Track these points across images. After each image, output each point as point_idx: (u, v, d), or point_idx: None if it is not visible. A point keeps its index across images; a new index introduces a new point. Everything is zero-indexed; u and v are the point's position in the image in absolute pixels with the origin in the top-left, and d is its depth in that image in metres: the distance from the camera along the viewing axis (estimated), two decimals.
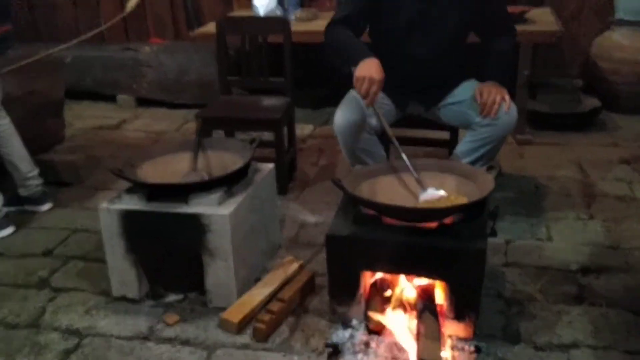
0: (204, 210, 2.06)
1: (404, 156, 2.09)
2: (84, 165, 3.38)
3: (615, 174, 3.11)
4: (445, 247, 1.84)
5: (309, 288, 2.23)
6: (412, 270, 1.93)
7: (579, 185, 3.00)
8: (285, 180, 2.99)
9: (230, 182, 2.17)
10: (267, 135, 3.07)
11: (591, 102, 3.82)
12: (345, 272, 1.97)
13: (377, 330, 1.97)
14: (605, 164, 3.24)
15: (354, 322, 2.02)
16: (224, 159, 2.37)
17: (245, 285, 2.21)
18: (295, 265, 2.30)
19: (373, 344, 1.94)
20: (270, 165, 2.44)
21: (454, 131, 2.81)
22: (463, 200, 1.94)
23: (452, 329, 1.96)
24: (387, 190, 2.11)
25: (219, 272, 2.11)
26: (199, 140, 2.43)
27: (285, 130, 3.02)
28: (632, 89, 3.87)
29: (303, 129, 3.79)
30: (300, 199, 2.97)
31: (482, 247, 1.82)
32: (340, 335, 1.98)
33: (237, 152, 2.34)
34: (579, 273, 2.31)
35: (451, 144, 2.86)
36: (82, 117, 4.37)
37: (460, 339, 1.96)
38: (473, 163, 2.49)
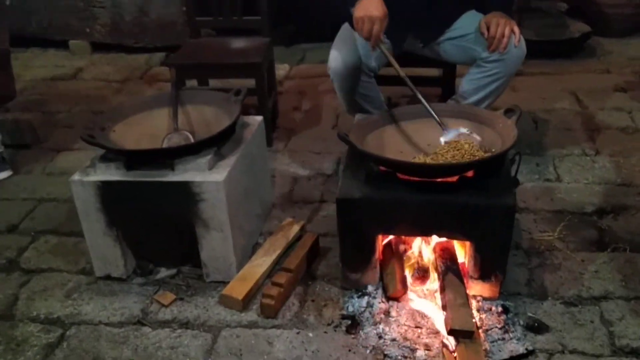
0: (193, 177, 1.82)
1: (422, 98, 1.87)
2: (41, 124, 3.06)
3: (614, 103, 2.97)
4: (471, 204, 1.66)
5: (315, 252, 2.04)
6: (433, 231, 1.75)
7: (579, 118, 2.85)
8: (269, 130, 2.75)
9: (219, 143, 1.93)
10: (246, 81, 2.79)
11: (579, 27, 3.63)
12: (358, 237, 1.78)
13: (395, 296, 1.81)
14: (600, 92, 3.09)
15: (370, 288, 1.85)
16: (205, 114, 2.11)
17: (245, 254, 2.01)
18: (296, 228, 2.10)
19: (393, 312, 1.78)
20: (259, 119, 2.19)
21: (451, 68, 2.59)
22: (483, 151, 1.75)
23: (476, 289, 1.81)
24: (397, 141, 1.91)
25: (215, 243, 1.89)
26: (177, 94, 2.16)
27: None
28: (621, 12, 3.69)
29: (279, 70, 3.50)
30: (287, 150, 2.73)
31: (511, 202, 1.65)
32: (356, 304, 1.81)
33: (220, 106, 2.09)
34: (595, 215, 2.18)
35: (445, 82, 2.65)
36: (31, 67, 3.97)
37: (485, 300, 1.81)
38: (479, 103, 2.30)
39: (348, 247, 1.82)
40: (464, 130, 1.86)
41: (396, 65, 1.94)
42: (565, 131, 2.73)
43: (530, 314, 1.78)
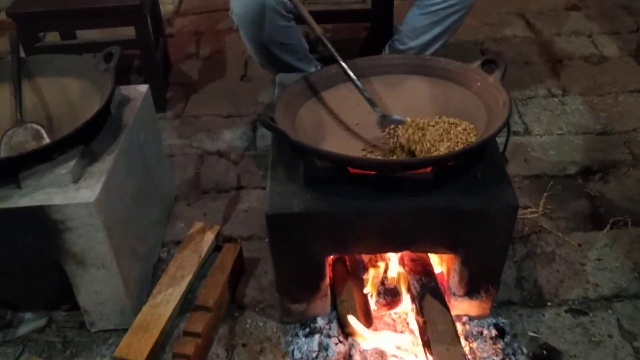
0: (49, 198, 1.21)
1: (339, 58, 1.33)
2: None
3: (570, 26, 2.52)
4: (459, 208, 1.17)
5: (239, 269, 1.52)
6: (405, 246, 1.26)
7: (535, 47, 2.39)
8: (161, 91, 2.12)
9: (87, 138, 1.32)
10: (121, 31, 2.11)
11: None
12: (300, 262, 1.27)
13: (354, 332, 1.33)
14: (552, 13, 2.63)
15: (320, 322, 1.37)
16: (65, 91, 1.48)
17: (143, 283, 1.46)
18: (209, 236, 1.55)
19: (357, 356, 1.31)
20: (143, 88, 1.57)
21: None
22: (468, 133, 1.26)
23: (460, 308, 1.37)
24: (343, 113, 1.37)
25: (97, 284, 1.33)
26: (19, 62, 1.49)
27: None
28: None
29: (165, 5, 2.80)
30: (186, 115, 2.12)
31: (512, 202, 1.18)
32: (304, 346, 1.33)
33: (85, 77, 1.45)
34: (580, 177, 1.78)
35: (377, 17, 2.12)
36: None
37: (472, 319, 1.38)
38: (428, 45, 1.79)
39: (286, 275, 1.31)
40: (398, 117, 1.34)
41: (308, 18, 1.35)
42: (523, 65, 2.28)
43: (532, 333, 1.36)
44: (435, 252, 1.33)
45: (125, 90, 1.54)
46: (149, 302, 1.39)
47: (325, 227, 1.20)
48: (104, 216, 1.24)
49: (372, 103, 1.32)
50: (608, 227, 1.60)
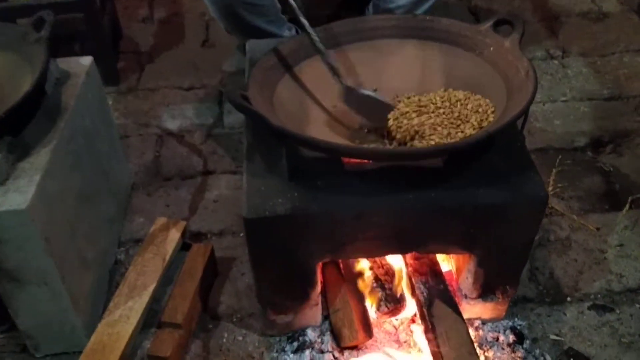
0: None
1: (307, 25, 1.09)
2: None
3: None
4: (479, 204, 0.97)
5: (211, 273, 1.30)
6: (413, 247, 1.06)
7: (529, 4, 2.17)
8: (110, 61, 1.85)
9: (15, 125, 1.07)
10: None
11: None
12: (287, 270, 1.06)
13: (355, 345, 1.13)
14: None
15: (310, 334, 1.16)
16: None
17: (97, 295, 1.23)
18: (174, 235, 1.32)
19: None
20: (87, 60, 1.31)
21: None
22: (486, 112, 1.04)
23: (472, 311, 1.18)
24: (327, 89, 1.14)
25: (38, 304, 1.09)
26: None
27: None
28: None
29: None
30: (141, 88, 1.85)
31: (541, 193, 0.98)
32: None
33: (12, 49, 1.18)
34: (590, 150, 1.59)
35: None
36: None
37: (485, 323, 1.19)
38: (420, 2, 1.56)
39: (269, 284, 1.09)
40: (370, 93, 1.11)
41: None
42: None
43: (554, 336, 1.19)
44: (447, 253, 1.13)
45: (64, 64, 1.27)
46: (105, 320, 1.16)
47: (316, 230, 0.99)
48: (41, 224, 1.00)
49: (334, 71, 1.08)
50: (627, 207, 1.42)
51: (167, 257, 1.27)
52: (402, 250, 1.08)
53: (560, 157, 1.55)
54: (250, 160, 1.04)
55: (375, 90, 1.12)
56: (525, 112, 0.96)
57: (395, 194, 0.96)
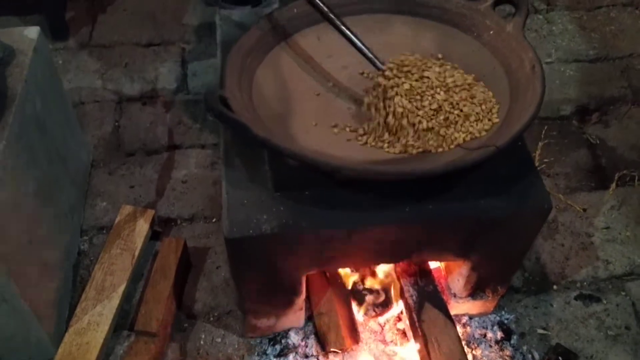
0: None
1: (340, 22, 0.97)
2: None
3: None
4: (481, 216, 0.90)
5: (185, 269, 1.21)
6: (406, 257, 0.99)
7: None
8: (58, 10, 1.66)
9: None
10: None
11: None
12: (271, 282, 0.98)
13: (340, 348, 1.09)
14: None
15: (293, 336, 1.11)
16: None
17: (62, 299, 1.13)
18: (143, 226, 1.22)
19: None
20: (34, 33, 1.14)
21: None
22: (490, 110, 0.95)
23: (460, 308, 1.14)
24: (310, 73, 1.02)
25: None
26: None
27: None
28: None
29: None
30: (94, 44, 1.68)
31: (545, 204, 0.91)
32: None
33: None
34: (576, 119, 1.53)
35: None
36: None
37: (473, 318, 1.16)
38: None
39: (251, 296, 1.02)
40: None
41: None
42: None
43: (541, 330, 1.16)
44: (441, 260, 1.07)
45: (5, 37, 1.11)
46: (73, 328, 1.08)
47: (304, 247, 0.91)
48: None
49: (373, 62, 0.96)
50: (614, 185, 1.38)
51: (137, 253, 1.18)
52: (394, 260, 1.01)
53: (546, 127, 1.49)
54: (229, 165, 0.93)
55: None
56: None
57: (390, 207, 0.88)
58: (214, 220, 1.30)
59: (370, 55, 0.95)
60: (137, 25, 1.72)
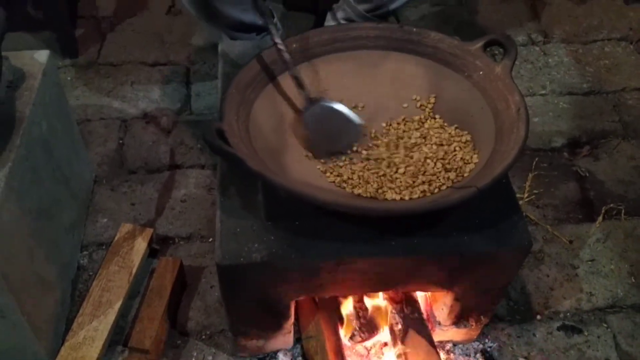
0: None
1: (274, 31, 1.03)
2: None
3: None
4: (464, 252, 0.94)
5: (180, 288, 1.25)
6: (391, 287, 1.03)
7: None
8: (69, 28, 1.71)
9: None
10: None
11: None
12: (260, 308, 1.02)
13: None
14: None
15: (281, 357, 1.15)
16: None
17: (60, 314, 1.18)
18: (140, 245, 1.26)
19: None
20: (43, 57, 1.19)
21: None
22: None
23: (445, 335, 1.17)
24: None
25: None
26: None
27: None
28: None
29: None
30: (102, 62, 1.73)
31: (525, 242, 0.95)
32: None
33: None
34: (566, 151, 1.57)
35: None
36: None
37: (456, 344, 1.20)
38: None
39: (241, 320, 1.06)
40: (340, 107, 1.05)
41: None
42: (500, 4, 1.98)
43: (523, 359, 1.20)
44: (426, 291, 1.11)
45: (16, 60, 1.16)
46: (69, 342, 1.12)
47: (293, 275, 0.95)
48: None
49: (299, 83, 1.02)
50: (600, 218, 1.42)
51: (134, 271, 1.22)
52: (380, 290, 1.06)
53: (537, 159, 1.52)
54: (224, 194, 0.98)
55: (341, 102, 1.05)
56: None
57: (377, 240, 0.92)
58: (210, 240, 1.34)
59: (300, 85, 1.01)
60: (144, 44, 1.77)
